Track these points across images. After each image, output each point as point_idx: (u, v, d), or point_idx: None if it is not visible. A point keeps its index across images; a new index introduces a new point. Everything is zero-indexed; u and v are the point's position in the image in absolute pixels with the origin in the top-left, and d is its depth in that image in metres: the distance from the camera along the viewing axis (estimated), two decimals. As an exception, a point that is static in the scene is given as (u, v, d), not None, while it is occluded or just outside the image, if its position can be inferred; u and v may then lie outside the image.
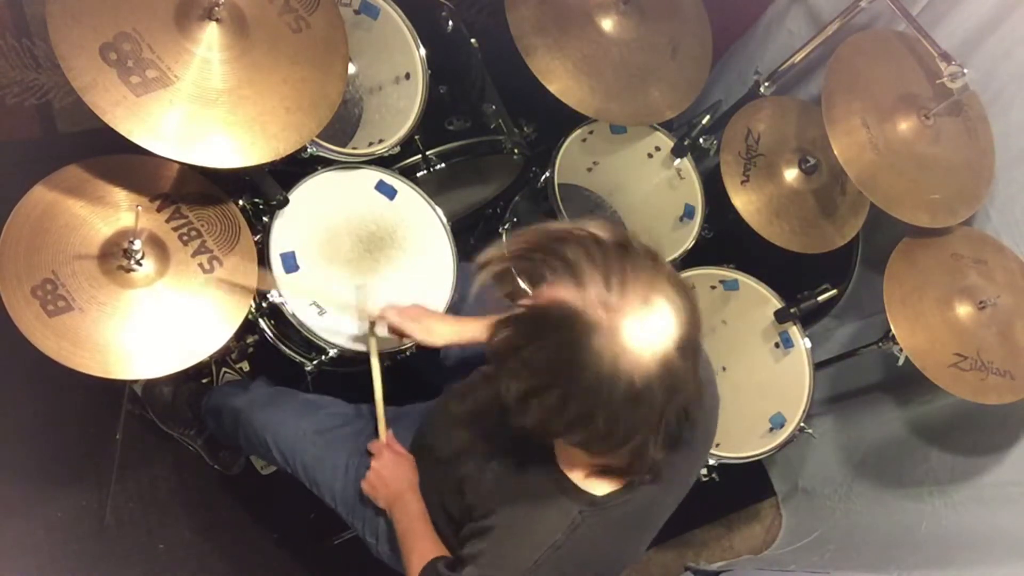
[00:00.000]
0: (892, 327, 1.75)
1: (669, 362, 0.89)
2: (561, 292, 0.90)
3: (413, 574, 1.24)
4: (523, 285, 0.94)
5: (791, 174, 1.99)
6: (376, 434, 1.48)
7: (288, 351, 1.68)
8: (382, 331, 1.53)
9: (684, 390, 0.93)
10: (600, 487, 1.06)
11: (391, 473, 1.40)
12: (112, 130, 1.24)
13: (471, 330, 1.47)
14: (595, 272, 0.90)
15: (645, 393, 0.89)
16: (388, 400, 1.51)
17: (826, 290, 1.91)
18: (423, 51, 1.77)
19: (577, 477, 1.07)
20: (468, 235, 2.22)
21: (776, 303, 1.98)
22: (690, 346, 0.92)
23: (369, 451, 1.45)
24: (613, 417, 0.92)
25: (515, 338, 0.94)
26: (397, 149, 1.73)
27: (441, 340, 1.47)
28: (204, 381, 1.97)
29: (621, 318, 0.88)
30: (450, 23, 1.91)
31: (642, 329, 0.88)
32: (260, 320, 1.64)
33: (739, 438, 1.92)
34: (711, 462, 1.84)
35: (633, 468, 1.04)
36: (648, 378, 0.89)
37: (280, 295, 1.53)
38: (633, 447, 0.97)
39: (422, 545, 1.28)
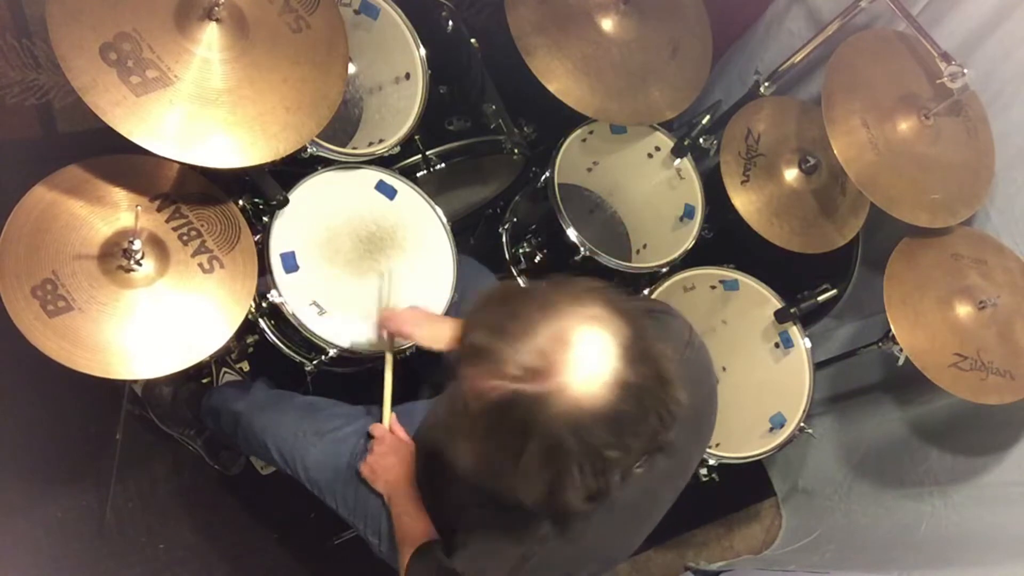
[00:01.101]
0: (892, 327, 1.76)
1: (623, 379, 0.88)
2: (487, 381, 0.88)
3: (406, 556, 1.25)
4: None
5: (791, 174, 1.99)
6: (380, 419, 1.49)
7: (288, 351, 1.68)
8: (383, 336, 1.54)
9: (657, 389, 0.91)
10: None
11: (392, 459, 1.40)
12: (112, 130, 1.24)
13: None
14: (504, 349, 0.87)
15: (618, 416, 0.88)
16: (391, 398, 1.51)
17: (826, 290, 1.91)
18: (423, 51, 1.77)
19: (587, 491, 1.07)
20: (468, 235, 2.22)
21: (776, 303, 1.98)
22: (635, 348, 0.90)
23: (371, 434, 1.45)
24: (613, 446, 0.90)
25: (481, 433, 0.92)
26: (397, 149, 1.73)
27: (442, 344, 1.47)
28: (204, 381, 1.97)
29: (556, 378, 0.86)
30: (450, 23, 1.91)
31: (579, 373, 0.86)
32: (260, 320, 1.64)
33: (739, 438, 1.92)
34: (711, 462, 1.84)
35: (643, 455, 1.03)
36: (612, 405, 0.87)
37: (280, 295, 1.53)
38: (649, 437, 0.96)
39: (416, 529, 1.29)
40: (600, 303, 0.92)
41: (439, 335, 1.47)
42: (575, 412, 0.86)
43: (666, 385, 0.93)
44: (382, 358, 1.56)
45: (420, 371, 1.69)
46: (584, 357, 0.87)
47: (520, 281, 2.01)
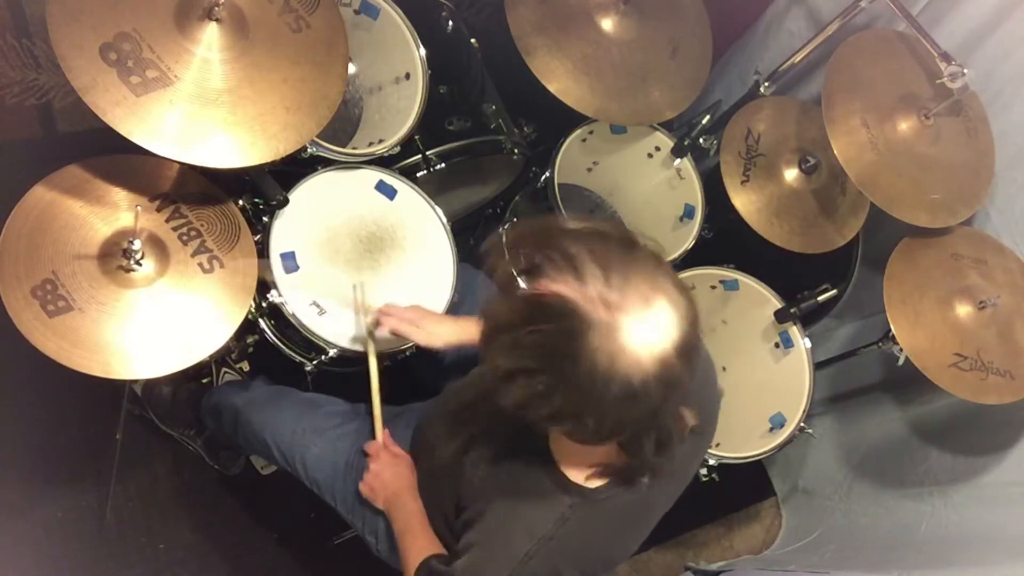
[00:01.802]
0: (892, 327, 1.75)
1: (667, 363, 0.88)
2: (561, 286, 0.89)
3: (409, 573, 1.24)
4: (522, 278, 0.92)
5: (791, 174, 1.99)
6: (373, 435, 1.48)
7: (288, 351, 1.68)
8: (383, 332, 1.54)
9: (679, 391, 0.92)
10: (592, 481, 1.07)
11: (389, 474, 1.40)
12: (112, 130, 1.24)
13: (470, 330, 1.47)
14: (596, 268, 0.88)
15: (641, 393, 0.88)
16: (387, 400, 1.51)
17: (826, 290, 1.91)
18: (423, 51, 1.77)
19: (570, 471, 1.07)
20: (468, 235, 2.22)
21: (776, 303, 1.98)
22: (688, 348, 0.91)
23: (365, 452, 1.45)
24: (603, 414, 0.91)
25: (510, 317, 0.91)
26: (397, 149, 1.73)
27: (440, 341, 1.47)
28: (204, 381, 1.97)
29: (621, 316, 0.87)
30: (450, 23, 1.91)
31: (641, 329, 0.87)
32: (260, 320, 1.64)
33: (739, 438, 1.92)
34: (711, 462, 1.84)
35: (628, 466, 1.04)
36: (645, 378, 0.88)
37: (280, 295, 1.53)
38: (623, 442, 0.97)
39: (419, 544, 1.28)
40: (678, 286, 0.92)
41: (439, 333, 1.47)
42: (610, 357, 0.86)
43: (682, 394, 0.93)
44: (380, 358, 1.56)
45: (420, 372, 1.69)
46: (651, 321, 0.88)
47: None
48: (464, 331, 1.48)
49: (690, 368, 0.92)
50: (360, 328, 1.58)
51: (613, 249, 0.91)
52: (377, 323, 1.51)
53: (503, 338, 0.92)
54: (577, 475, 1.07)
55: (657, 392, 0.89)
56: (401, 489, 1.38)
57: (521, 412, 0.94)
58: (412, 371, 1.69)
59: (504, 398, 0.94)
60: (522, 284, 0.91)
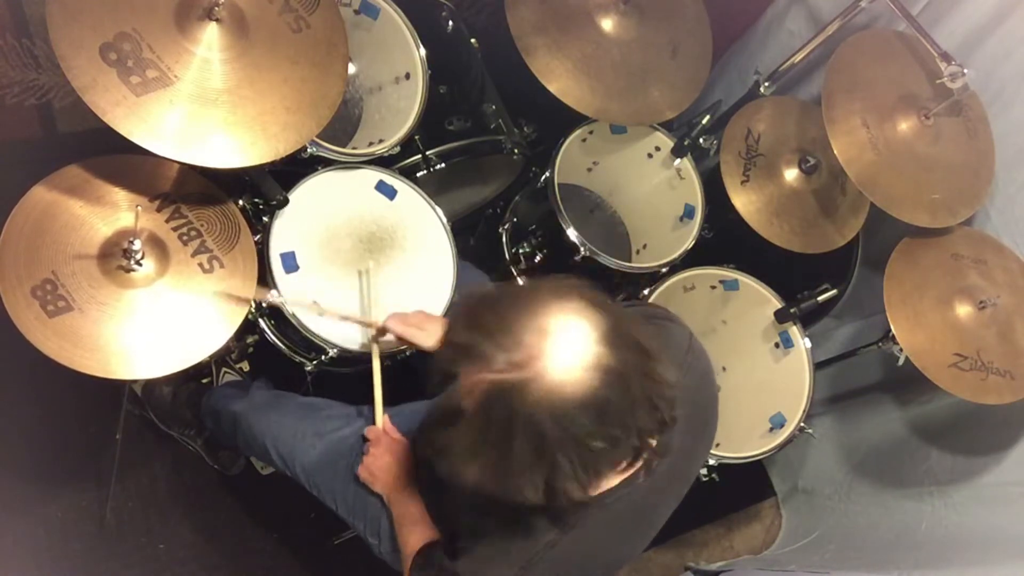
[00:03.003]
0: (892, 327, 1.75)
1: (602, 362, 0.88)
2: (474, 376, 0.90)
3: (408, 558, 1.25)
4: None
5: (791, 174, 1.99)
6: (373, 421, 1.48)
7: (288, 351, 1.68)
8: (389, 338, 1.54)
9: (637, 373, 0.92)
10: (595, 487, 1.06)
11: (388, 459, 1.41)
12: (112, 130, 1.24)
13: None
14: (484, 341, 0.89)
15: (600, 401, 0.88)
16: (387, 399, 1.51)
17: (826, 290, 1.91)
18: (423, 51, 1.77)
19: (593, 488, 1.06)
20: (468, 235, 2.22)
21: (776, 303, 1.98)
22: (614, 333, 0.90)
23: (366, 437, 1.45)
24: (601, 434, 0.91)
25: (482, 443, 0.92)
26: (397, 149, 1.73)
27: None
28: (204, 381, 1.97)
29: (535, 364, 0.87)
30: (450, 23, 1.91)
31: (559, 356, 0.87)
32: (260, 320, 1.64)
33: (739, 438, 1.92)
34: (711, 462, 1.84)
35: (641, 449, 1.04)
36: (594, 388, 0.88)
37: (280, 295, 1.53)
38: (637, 432, 0.96)
39: (418, 530, 1.29)
40: (578, 296, 0.93)
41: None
42: (555, 397, 0.87)
43: (651, 369, 0.93)
44: (382, 357, 1.56)
45: (420, 371, 1.69)
46: (563, 343, 0.88)
47: (512, 281, 2.02)
48: None
49: (632, 347, 0.91)
50: (363, 312, 1.58)
51: (485, 311, 0.92)
52: (384, 330, 1.51)
53: (483, 466, 0.93)
54: (604, 481, 1.06)
55: (616, 390, 0.89)
56: (400, 474, 1.38)
57: (548, 494, 0.94)
58: (412, 371, 1.69)
59: (525, 496, 0.93)
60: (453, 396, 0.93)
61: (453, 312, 0.96)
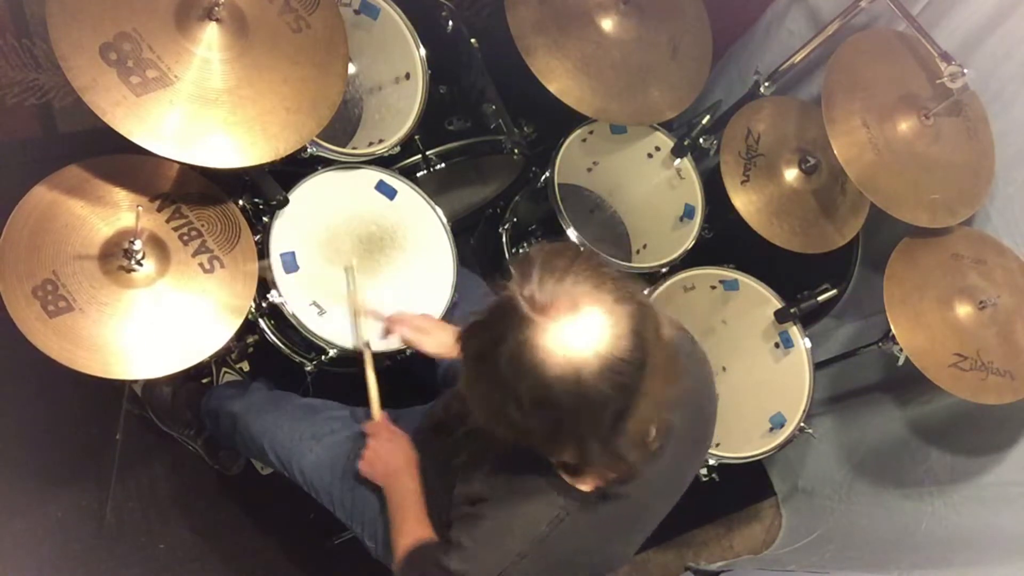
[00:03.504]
0: (892, 327, 1.76)
1: (580, 371, 0.89)
2: (510, 287, 0.94)
3: (399, 552, 1.25)
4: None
5: (791, 174, 1.99)
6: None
7: (288, 351, 1.68)
8: (393, 343, 1.54)
9: (600, 403, 0.92)
10: (587, 484, 1.07)
11: (388, 448, 1.41)
12: (112, 130, 1.24)
13: None
14: (537, 271, 0.93)
15: (550, 394, 0.90)
16: (387, 402, 1.51)
17: (826, 290, 1.91)
18: (423, 51, 1.77)
19: (567, 473, 1.07)
20: (468, 235, 2.22)
21: (776, 303, 1.98)
22: (614, 363, 0.91)
23: (364, 432, 1.45)
24: (533, 412, 0.93)
25: (471, 333, 0.98)
26: (397, 149, 1.73)
27: (449, 352, 1.45)
28: (204, 381, 1.97)
29: (544, 316, 0.90)
30: (450, 23, 1.91)
31: (561, 331, 0.89)
32: (260, 320, 1.64)
33: (739, 438, 1.92)
34: (711, 462, 1.84)
35: (613, 471, 1.05)
36: (553, 379, 0.89)
37: (280, 295, 1.53)
38: (576, 449, 0.98)
39: (411, 526, 1.29)
40: (634, 320, 0.94)
41: (447, 343, 1.46)
42: (530, 351, 0.90)
43: (636, 400, 0.95)
44: (381, 358, 1.56)
45: (419, 375, 1.69)
46: (571, 329, 0.90)
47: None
48: None
49: (617, 383, 0.92)
50: (353, 307, 1.58)
51: (563, 257, 0.95)
52: (387, 331, 1.51)
53: (470, 368, 0.98)
54: (571, 476, 1.07)
55: (567, 396, 0.90)
56: (400, 466, 1.38)
57: (518, 440, 0.99)
58: (412, 373, 1.69)
59: (491, 428, 0.99)
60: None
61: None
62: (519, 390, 0.91)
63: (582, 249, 1.00)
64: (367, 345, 1.54)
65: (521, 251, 2.05)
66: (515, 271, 0.95)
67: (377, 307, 1.57)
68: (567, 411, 0.92)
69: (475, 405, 0.99)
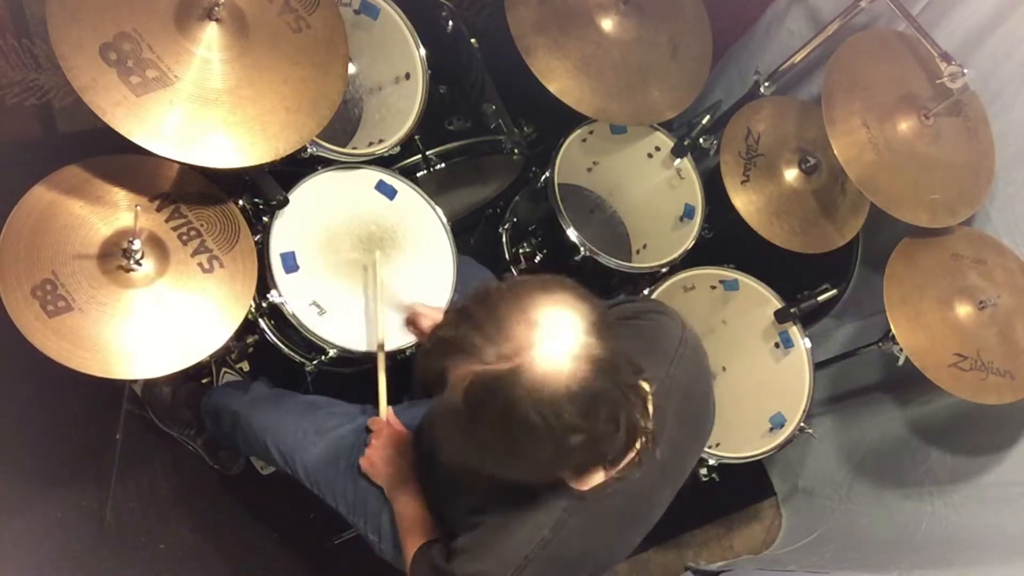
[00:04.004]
0: (892, 327, 1.75)
1: (592, 353, 0.90)
2: (462, 369, 0.91)
3: (409, 555, 1.25)
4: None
5: (791, 174, 1.99)
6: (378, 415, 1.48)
7: (288, 351, 1.68)
8: (406, 339, 1.54)
9: (623, 360, 0.93)
10: (587, 482, 1.07)
11: (391, 450, 1.41)
12: (112, 130, 1.24)
13: None
14: (475, 335, 0.91)
15: (588, 392, 0.90)
16: (390, 397, 1.51)
17: (826, 290, 1.91)
18: (423, 51, 1.77)
19: (565, 473, 1.07)
20: (468, 235, 2.22)
21: (776, 303, 1.98)
22: (599, 324, 0.92)
23: (369, 427, 1.45)
24: (583, 429, 0.92)
25: (463, 432, 0.95)
26: (397, 149, 1.73)
27: None
28: (204, 381, 1.97)
29: (524, 354, 0.88)
30: (450, 23, 1.91)
31: (548, 348, 0.89)
32: (260, 320, 1.64)
33: (739, 438, 1.92)
34: (711, 462, 1.84)
35: (628, 444, 1.04)
36: (585, 380, 0.89)
37: (280, 295, 1.53)
38: (625, 428, 0.97)
39: (418, 525, 1.30)
40: (563, 288, 0.95)
41: None
42: (544, 388, 0.88)
43: (635, 363, 0.96)
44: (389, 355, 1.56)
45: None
46: (551, 333, 0.90)
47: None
48: None
49: (613, 335, 0.93)
50: (370, 310, 1.58)
51: (474, 309, 0.94)
52: (409, 320, 1.49)
53: (470, 451, 0.97)
54: (569, 475, 1.07)
55: (605, 379, 0.91)
56: (402, 467, 1.38)
57: (535, 478, 0.99)
58: (414, 371, 1.69)
59: (512, 477, 0.99)
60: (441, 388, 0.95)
61: (445, 312, 0.98)
62: (568, 420, 0.90)
63: (473, 289, 0.99)
64: (381, 347, 1.54)
65: (521, 251, 2.05)
66: (454, 354, 0.92)
67: (398, 297, 1.56)
68: (610, 391, 0.92)
69: (530, 472, 0.98)
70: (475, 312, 0.93)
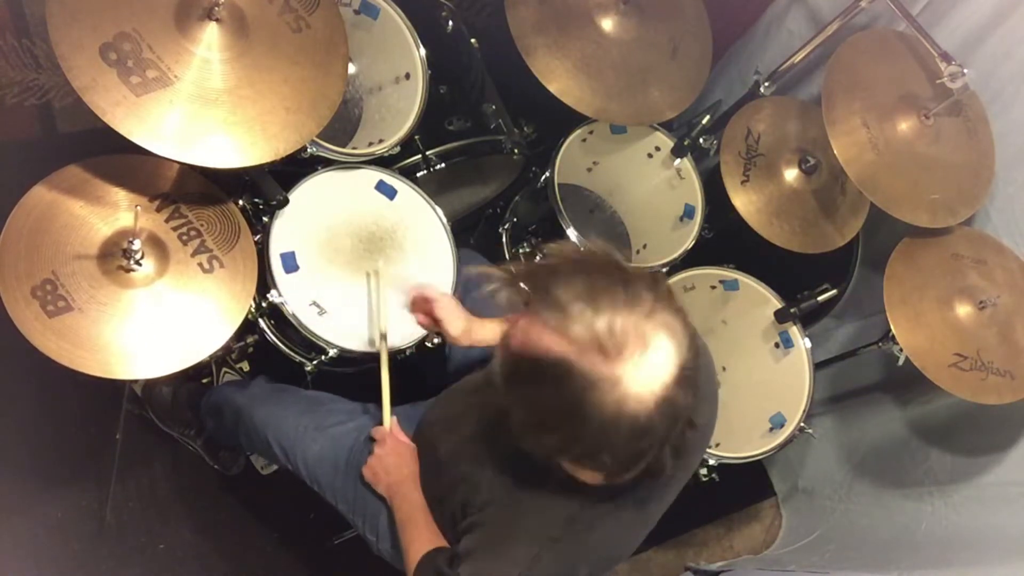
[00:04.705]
0: (892, 327, 1.75)
1: (670, 395, 0.89)
2: (555, 340, 0.88)
3: (411, 565, 1.25)
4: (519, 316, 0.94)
5: (791, 174, 1.99)
6: (380, 422, 1.47)
7: (288, 351, 1.68)
8: (410, 336, 1.53)
9: (685, 413, 0.93)
10: (597, 480, 1.06)
11: (393, 460, 1.40)
12: (112, 130, 1.24)
13: (479, 331, 1.45)
14: (589, 314, 0.87)
15: (648, 427, 0.89)
16: (394, 398, 1.51)
17: (826, 290, 1.91)
18: (423, 51, 1.77)
19: (575, 471, 1.07)
20: (468, 235, 2.22)
21: (776, 303, 1.98)
22: (690, 371, 0.91)
23: (372, 437, 1.45)
24: (618, 452, 0.92)
25: (519, 376, 0.94)
26: (397, 149, 1.73)
27: (467, 340, 1.41)
28: (204, 381, 1.97)
29: (619, 365, 0.87)
30: (450, 23, 1.91)
31: (641, 370, 0.87)
32: (260, 320, 1.64)
33: (739, 438, 1.92)
34: (711, 462, 1.84)
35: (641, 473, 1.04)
36: (650, 414, 0.88)
37: (280, 295, 1.53)
38: (641, 467, 0.97)
39: (421, 536, 1.28)
40: (673, 312, 0.92)
41: (467, 329, 1.42)
42: (616, 406, 0.87)
43: (690, 415, 0.95)
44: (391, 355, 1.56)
45: (422, 371, 1.69)
46: (651, 361, 0.88)
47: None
48: (474, 330, 1.43)
49: (694, 388, 0.92)
50: (373, 314, 1.58)
51: (605, 285, 0.90)
52: (416, 305, 1.44)
53: (517, 395, 0.95)
54: (579, 473, 1.07)
55: (664, 422, 0.90)
56: (405, 477, 1.37)
57: (544, 459, 0.98)
58: (415, 370, 1.69)
59: (527, 446, 0.96)
60: (515, 336, 0.92)
61: (551, 256, 0.95)
62: (617, 439, 0.89)
63: (602, 260, 0.94)
64: (383, 337, 1.53)
65: (521, 251, 2.04)
66: (553, 317, 0.88)
67: (403, 283, 1.51)
68: (665, 431, 0.91)
69: (545, 453, 0.96)
70: (593, 291, 0.89)
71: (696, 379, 0.93)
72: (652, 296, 0.91)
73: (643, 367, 0.87)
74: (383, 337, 1.54)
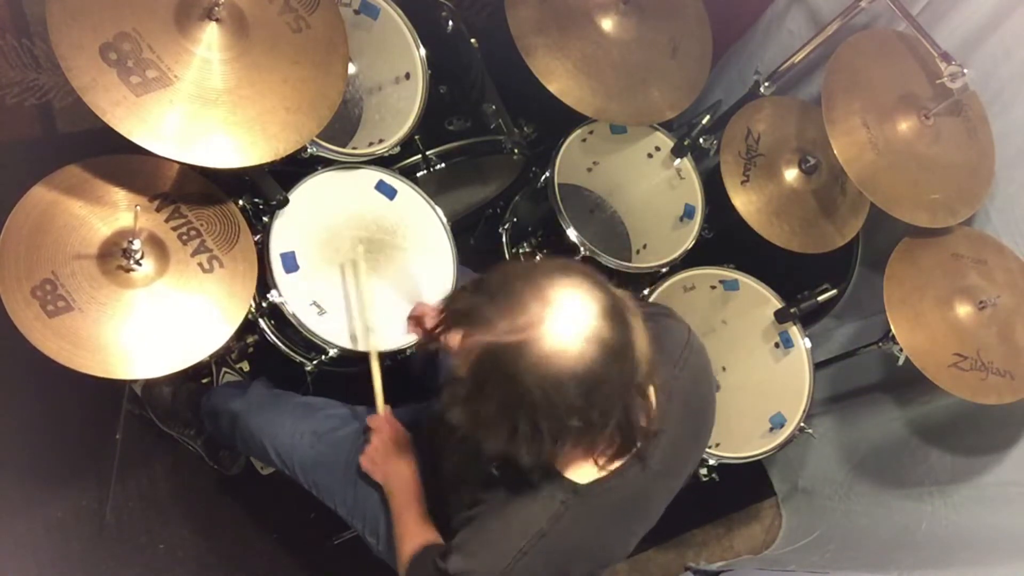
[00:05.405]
0: (892, 327, 1.76)
1: (597, 334, 0.91)
2: (471, 339, 0.94)
3: (404, 556, 1.25)
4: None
5: (791, 174, 1.99)
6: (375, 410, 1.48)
7: (288, 351, 1.68)
8: (401, 340, 1.53)
9: (632, 351, 0.94)
10: (585, 475, 1.07)
11: (391, 447, 1.41)
12: (112, 130, 1.24)
13: None
14: (489, 304, 0.93)
15: (592, 373, 0.91)
16: (388, 398, 1.51)
17: (826, 290, 1.91)
18: (423, 51, 1.77)
19: (563, 466, 1.07)
20: (468, 235, 2.22)
21: (776, 303, 1.98)
22: (614, 311, 0.93)
23: (368, 427, 1.45)
24: (584, 412, 0.93)
25: (465, 391, 0.97)
26: (397, 149, 1.73)
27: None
28: (204, 381, 1.96)
29: (532, 329, 0.90)
30: (450, 23, 1.91)
31: (556, 323, 0.90)
32: (260, 320, 1.64)
33: (739, 438, 1.92)
34: (711, 462, 1.84)
35: (624, 443, 1.05)
36: (586, 359, 0.90)
37: (280, 295, 1.53)
38: (617, 423, 0.99)
39: (414, 529, 1.29)
40: (582, 272, 0.96)
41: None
42: (550, 364, 0.90)
43: (637, 353, 0.96)
44: (383, 356, 1.56)
45: (418, 374, 1.69)
46: (565, 312, 0.91)
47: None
48: None
49: (627, 325, 0.94)
50: (350, 303, 1.58)
51: (490, 278, 0.96)
52: (414, 320, 1.46)
53: (477, 425, 0.98)
54: (567, 467, 1.07)
55: (610, 363, 0.92)
56: (402, 466, 1.38)
57: (539, 461, 0.99)
58: (413, 370, 1.69)
59: (519, 459, 0.98)
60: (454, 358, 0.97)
61: (455, 288, 1.01)
62: (569, 400, 0.91)
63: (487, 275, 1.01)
64: (371, 328, 1.54)
65: (521, 251, 2.04)
66: (465, 322, 0.95)
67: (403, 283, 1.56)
68: (615, 378, 0.93)
69: (535, 454, 0.98)
70: (490, 285, 0.95)
71: (624, 315, 0.95)
72: (544, 265, 0.96)
73: (556, 320, 0.90)
74: (370, 325, 1.54)
